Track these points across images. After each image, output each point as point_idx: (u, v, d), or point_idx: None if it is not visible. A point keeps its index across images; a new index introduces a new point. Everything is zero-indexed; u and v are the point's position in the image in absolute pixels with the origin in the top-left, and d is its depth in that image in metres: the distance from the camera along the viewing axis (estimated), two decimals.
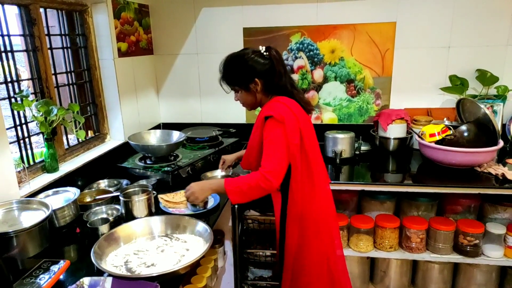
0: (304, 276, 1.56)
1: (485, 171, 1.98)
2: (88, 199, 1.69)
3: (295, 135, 1.42)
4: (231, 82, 1.56)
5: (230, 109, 2.69)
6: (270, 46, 1.52)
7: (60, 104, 1.90)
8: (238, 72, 1.52)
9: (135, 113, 2.41)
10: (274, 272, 2.31)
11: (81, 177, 1.86)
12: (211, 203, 1.67)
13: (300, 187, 1.48)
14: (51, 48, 1.84)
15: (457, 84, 2.38)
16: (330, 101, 2.61)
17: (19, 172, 1.56)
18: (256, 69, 1.48)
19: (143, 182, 1.85)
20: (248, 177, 1.41)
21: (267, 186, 1.37)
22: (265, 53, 1.50)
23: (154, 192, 1.65)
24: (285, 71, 1.53)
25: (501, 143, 1.98)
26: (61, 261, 1.20)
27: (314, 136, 1.57)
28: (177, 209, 1.64)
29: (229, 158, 1.98)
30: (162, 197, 1.68)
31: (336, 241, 1.62)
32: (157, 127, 2.72)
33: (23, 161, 1.66)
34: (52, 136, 1.73)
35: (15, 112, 1.63)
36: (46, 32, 1.78)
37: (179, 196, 1.68)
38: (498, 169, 1.96)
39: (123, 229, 1.38)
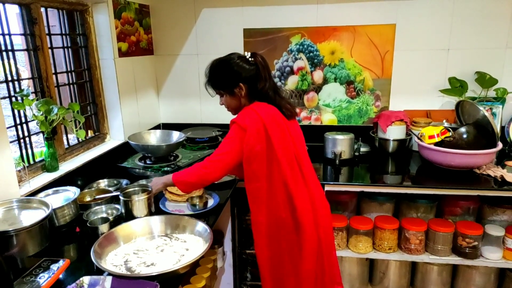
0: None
1: (484, 173, 1.99)
2: (88, 199, 1.69)
3: (256, 142, 1.45)
4: (217, 86, 1.59)
5: None
6: (255, 52, 1.55)
7: (61, 104, 1.90)
8: (223, 76, 1.55)
9: (135, 113, 2.41)
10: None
11: (81, 177, 1.86)
12: (210, 203, 1.67)
13: (266, 191, 1.49)
14: (51, 48, 1.84)
15: (457, 86, 2.39)
16: (330, 103, 2.61)
17: (19, 171, 1.56)
18: (241, 74, 1.51)
19: (143, 182, 1.85)
20: (193, 166, 1.54)
21: (205, 173, 1.49)
22: (250, 59, 1.53)
23: None
24: (270, 77, 1.55)
25: (500, 145, 1.99)
26: (61, 260, 1.20)
27: (297, 141, 1.57)
28: (177, 209, 1.64)
29: None
30: (166, 189, 1.69)
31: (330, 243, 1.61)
32: (157, 127, 2.72)
33: (23, 160, 1.66)
34: (52, 136, 1.73)
35: (16, 111, 1.63)
36: (46, 32, 1.79)
37: None
38: (497, 171, 1.97)
39: (122, 229, 1.38)
